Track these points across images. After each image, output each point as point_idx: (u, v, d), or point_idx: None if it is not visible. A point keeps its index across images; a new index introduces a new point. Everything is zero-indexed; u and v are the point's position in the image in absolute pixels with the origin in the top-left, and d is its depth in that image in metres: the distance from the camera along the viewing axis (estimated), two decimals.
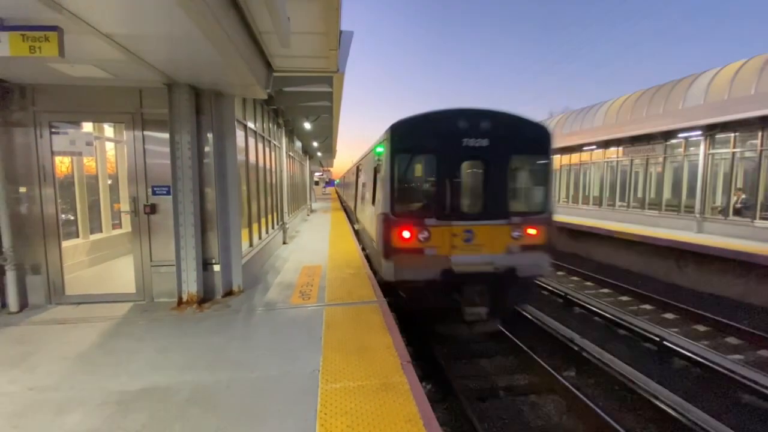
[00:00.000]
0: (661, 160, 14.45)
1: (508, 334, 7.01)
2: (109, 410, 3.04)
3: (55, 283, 5.47)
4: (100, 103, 5.40)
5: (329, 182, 52.43)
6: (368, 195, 8.71)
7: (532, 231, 6.48)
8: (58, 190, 5.48)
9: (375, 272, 7.51)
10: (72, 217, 7.26)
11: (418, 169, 6.80)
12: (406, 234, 6.27)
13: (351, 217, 17.32)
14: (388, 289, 6.46)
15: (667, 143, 14.04)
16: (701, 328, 7.80)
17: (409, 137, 6.43)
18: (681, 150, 13.65)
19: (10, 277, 5.16)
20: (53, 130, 5.33)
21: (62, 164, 7.08)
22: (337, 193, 49.40)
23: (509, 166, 6.54)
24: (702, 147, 12.53)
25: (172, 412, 3.02)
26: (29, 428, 2.84)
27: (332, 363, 3.77)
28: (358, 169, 12.43)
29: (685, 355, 6.18)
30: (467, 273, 6.25)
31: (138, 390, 3.32)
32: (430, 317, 6.67)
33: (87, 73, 4.63)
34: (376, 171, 7.43)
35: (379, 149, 6.91)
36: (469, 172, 6.67)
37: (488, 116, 6.43)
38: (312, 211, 23.02)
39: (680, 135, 13.25)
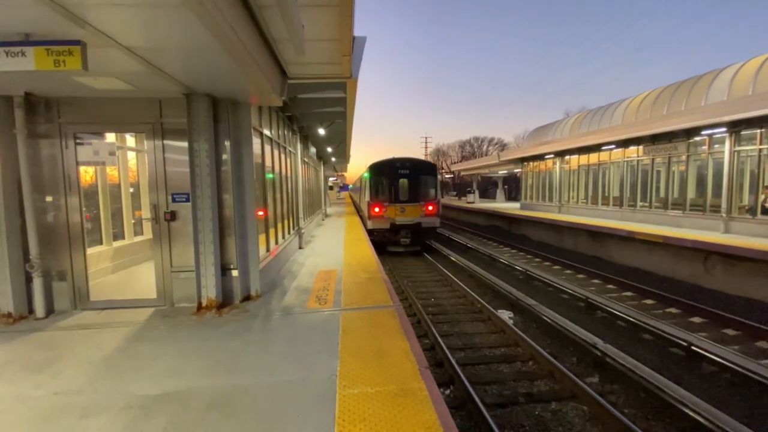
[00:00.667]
0: (684, 158, 14.04)
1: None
2: (132, 414, 3.09)
3: (80, 289, 5.61)
4: (122, 114, 5.54)
5: (343, 187, 52.70)
6: (363, 194, 18.98)
7: (430, 207, 15.62)
8: (83, 198, 5.63)
9: (364, 225, 16.50)
10: (96, 225, 7.46)
11: (381, 183, 15.93)
12: (377, 209, 15.35)
13: (358, 209, 27.16)
14: (369, 231, 14.92)
15: (690, 141, 13.64)
16: (730, 332, 7.51)
17: (378, 170, 16.19)
18: (705, 148, 13.23)
19: (37, 284, 5.31)
20: (78, 141, 5.48)
21: (86, 174, 7.29)
22: (350, 197, 49.65)
23: (419, 180, 15.87)
24: (727, 144, 12.13)
25: (193, 416, 3.06)
26: None
27: (349, 368, 3.76)
28: (361, 181, 23.74)
29: (715, 360, 5.95)
30: (402, 225, 15.32)
31: (159, 394, 3.37)
32: (386, 244, 15.42)
33: (109, 85, 4.76)
34: (365, 183, 17.63)
35: (366, 174, 17.23)
36: (402, 183, 15.85)
37: (409, 161, 16.34)
38: (327, 215, 23.16)
39: (704, 132, 12.85)
